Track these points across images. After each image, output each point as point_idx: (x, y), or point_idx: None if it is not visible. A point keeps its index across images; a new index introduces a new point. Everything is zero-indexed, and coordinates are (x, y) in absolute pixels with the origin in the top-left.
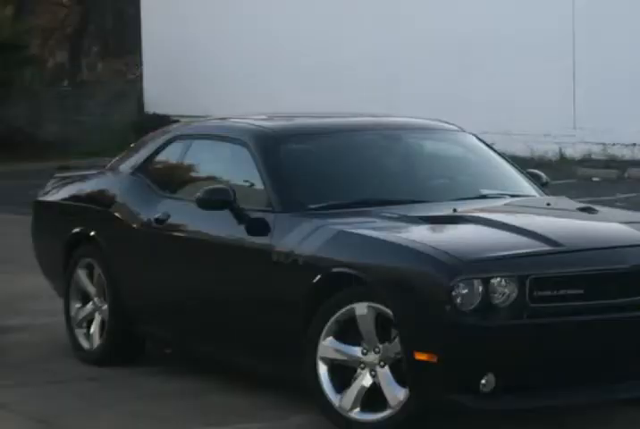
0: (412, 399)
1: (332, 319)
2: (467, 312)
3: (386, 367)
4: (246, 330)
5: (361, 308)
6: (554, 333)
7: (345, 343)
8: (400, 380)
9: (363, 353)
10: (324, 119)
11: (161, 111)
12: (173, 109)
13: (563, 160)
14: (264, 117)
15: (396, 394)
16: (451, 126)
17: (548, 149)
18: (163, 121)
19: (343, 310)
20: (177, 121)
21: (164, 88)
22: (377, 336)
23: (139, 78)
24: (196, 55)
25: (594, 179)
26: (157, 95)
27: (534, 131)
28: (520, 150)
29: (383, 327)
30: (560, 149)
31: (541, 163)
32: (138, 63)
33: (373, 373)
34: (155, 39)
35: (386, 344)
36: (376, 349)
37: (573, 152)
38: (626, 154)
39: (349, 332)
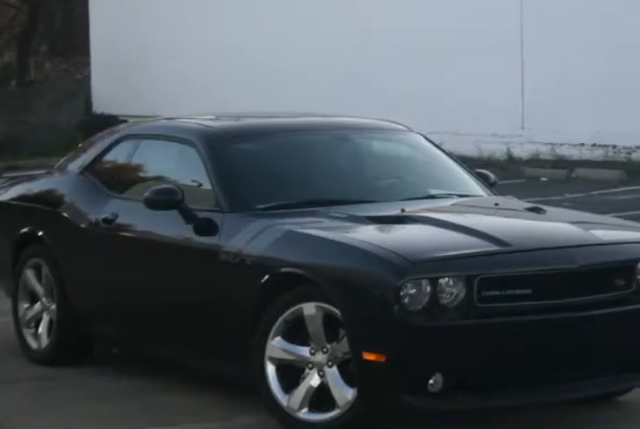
0: (360, 400)
1: (281, 319)
2: (415, 312)
3: (334, 367)
4: (195, 330)
5: (309, 308)
6: (502, 333)
7: (293, 343)
8: (349, 380)
9: (311, 353)
10: (273, 119)
11: (109, 111)
12: (122, 109)
13: (511, 160)
14: (212, 117)
15: (344, 394)
16: (400, 126)
17: (496, 149)
18: (111, 121)
19: (291, 310)
20: (125, 122)
21: (113, 88)
22: (325, 336)
23: (88, 78)
24: (145, 55)
25: (542, 179)
26: (106, 95)
27: (483, 131)
28: (468, 150)
29: (331, 327)
30: (508, 149)
31: (489, 162)
32: (87, 63)
33: (321, 373)
34: (103, 39)
35: (334, 344)
36: (324, 349)
37: (521, 152)
38: (574, 154)
39: (297, 332)
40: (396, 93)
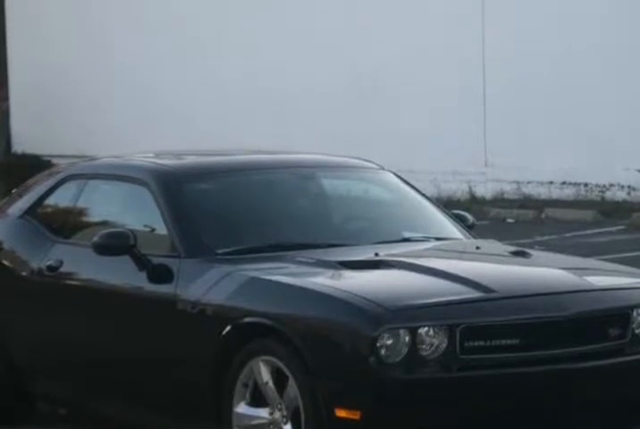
0: None
1: (239, 383)
2: (393, 364)
3: (289, 424)
4: (151, 388)
5: (257, 366)
6: (488, 388)
7: (256, 406)
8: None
9: (270, 413)
10: (232, 157)
11: (31, 150)
12: (45, 148)
13: (474, 200)
14: (165, 155)
15: None
16: (370, 164)
17: (457, 188)
18: (34, 161)
19: (244, 372)
20: (49, 162)
21: (34, 125)
22: (278, 392)
23: (6, 114)
24: (69, 91)
25: (509, 220)
26: (27, 133)
27: (441, 169)
28: (426, 190)
29: (280, 381)
30: (470, 188)
31: (449, 203)
32: (5, 98)
33: None
34: (23, 73)
35: (285, 397)
36: (279, 406)
37: (484, 191)
38: (542, 193)
39: (255, 392)
40: (346, 128)
